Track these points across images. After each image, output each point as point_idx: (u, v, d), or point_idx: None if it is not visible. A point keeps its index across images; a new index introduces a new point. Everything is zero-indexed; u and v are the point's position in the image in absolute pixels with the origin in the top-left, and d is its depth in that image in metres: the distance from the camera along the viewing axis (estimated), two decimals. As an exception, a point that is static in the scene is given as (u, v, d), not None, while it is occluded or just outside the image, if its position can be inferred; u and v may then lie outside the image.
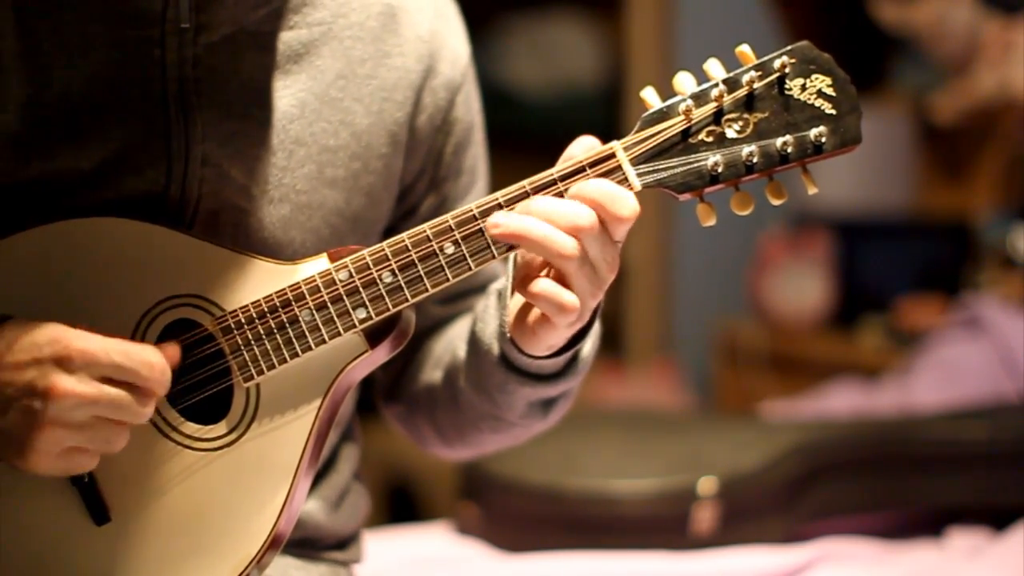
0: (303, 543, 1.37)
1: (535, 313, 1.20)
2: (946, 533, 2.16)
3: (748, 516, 2.10)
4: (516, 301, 1.22)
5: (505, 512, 2.12)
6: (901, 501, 2.24)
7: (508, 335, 1.22)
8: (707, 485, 2.08)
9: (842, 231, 3.58)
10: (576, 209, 1.15)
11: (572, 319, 1.17)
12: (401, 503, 3.62)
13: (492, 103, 1.63)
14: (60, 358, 1.12)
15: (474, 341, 1.27)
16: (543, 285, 1.16)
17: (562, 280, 1.16)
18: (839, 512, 2.20)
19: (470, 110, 1.40)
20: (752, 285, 3.68)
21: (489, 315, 1.26)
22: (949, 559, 2.05)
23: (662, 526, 2.06)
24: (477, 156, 1.42)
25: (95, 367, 1.12)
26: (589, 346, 1.26)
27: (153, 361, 1.15)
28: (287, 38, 1.28)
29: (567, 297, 1.16)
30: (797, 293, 3.58)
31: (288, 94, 1.28)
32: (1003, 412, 2.41)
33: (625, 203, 1.15)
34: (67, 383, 1.12)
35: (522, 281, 1.18)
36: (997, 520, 2.16)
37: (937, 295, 3.36)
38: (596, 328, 1.26)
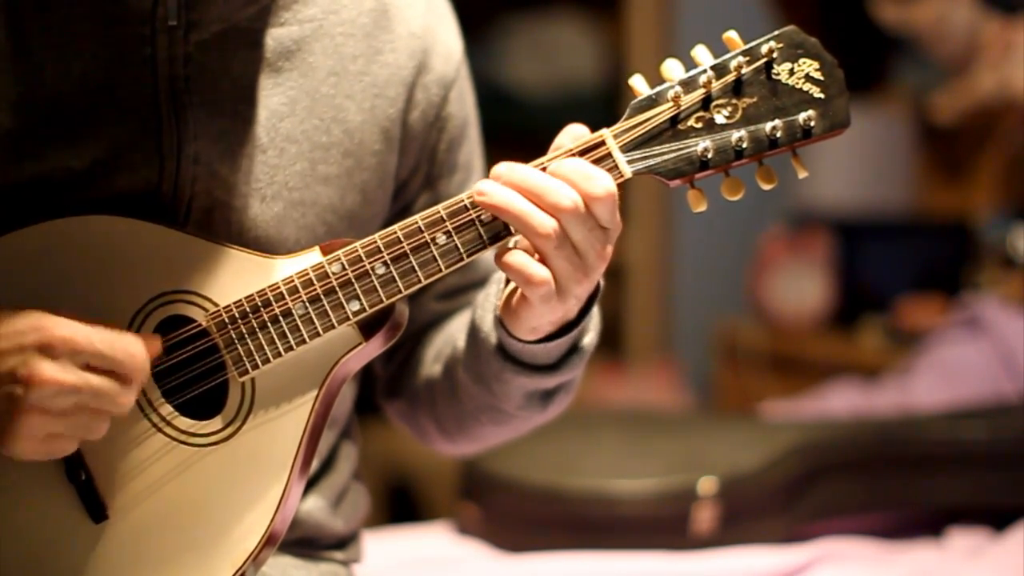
0: (302, 542, 1.37)
1: (518, 292, 1.20)
2: (946, 533, 2.16)
3: (748, 516, 2.10)
4: (510, 287, 1.22)
5: (505, 512, 2.12)
6: (901, 501, 2.24)
7: (498, 316, 1.22)
8: (707, 485, 2.07)
9: (842, 231, 3.58)
10: (560, 188, 1.14)
11: (544, 294, 1.16)
12: (401, 503, 3.62)
13: (492, 103, 1.63)
14: (43, 345, 1.12)
15: (473, 330, 1.28)
16: (514, 256, 1.16)
17: (543, 260, 1.16)
18: (839, 512, 2.20)
19: (464, 105, 1.40)
20: (752, 285, 3.68)
21: (489, 303, 1.26)
22: (949, 559, 2.05)
23: (662, 526, 2.06)
24: (472, 152, 1.42)
25: (77, 355, 1.13)
26: (588, 339, 1.26)
27: (134, 351, 1.15)
28: (278, 35, 1.28)
29: (535, 269, 1.15)
30: (797, 293, 3.58)
31: (279, 91, 1.28)
32: (1003, 412, 2.41)
33: (598, 182, 1.14)
34: (49, 370, 1.12)
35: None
36: (997, 520, 2.16)
37: (937, 295, 3.36)
38: (595, 322, 1.26)
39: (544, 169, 1.17)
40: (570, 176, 1.15)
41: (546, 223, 1.14)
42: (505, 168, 1.16)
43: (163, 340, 1.19)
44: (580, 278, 1.17)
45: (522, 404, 1.29)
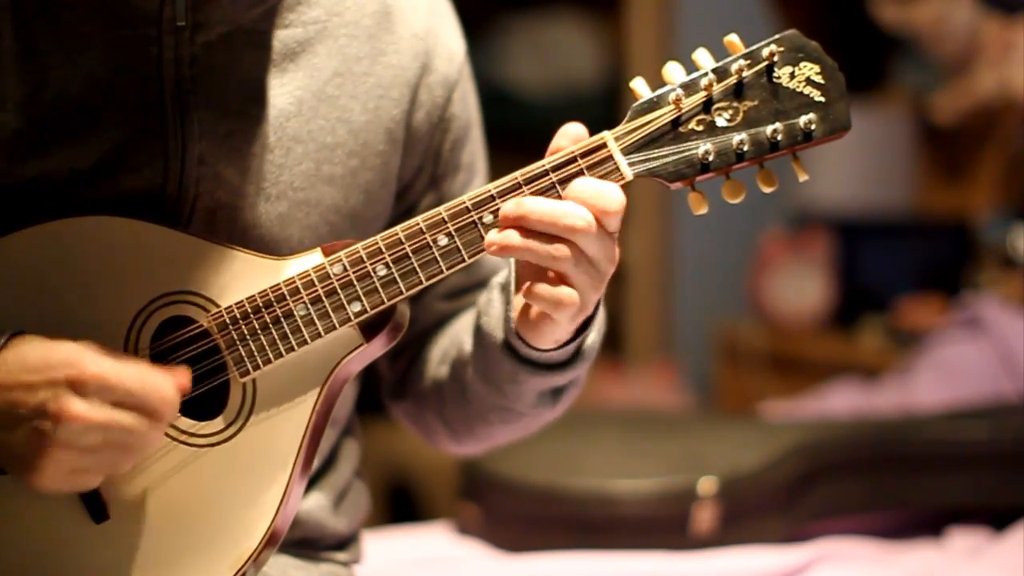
0: (303, 543, 1.37)
1: (536, 309, 1.20)
2: (946, 533, 2.16)
3: (748, 516, 2.10)
4: (520, 296, 1.23)
5: (505, 512, 2.12)
6: (901, 501, 2.24)
7: (515, 330, 1.23)
8: (707, 485, 2.08)
9: (842, 231, 3.58)
10: (574, 211, 1.15)
11: (572, 312, 1.18)
12: (401, 503, 3.62)
13: (492, 103, 1.63)
14: (74, 381, 1.11)
15: (479, 335, 1.28)
16: (540, 289, 1.17)
17: (561, 277, 1.17)
18: (839, 512, 2.20)
19: (467, 106, 1.41)
20: (752, 285, 3.68)
21: (493, 308, 1.26)
22: (949, 559, 2.05)
23: (662, 526, 2.06)
24: (475, 152, 1.43)
25: (108, 392, 1.12)
26: (595, 334, 1.27)
27: (164, 390, 1.14)
28: (283, 36, 1.29)
29: (564, 292, 1.17)
30: (797, 293, 3.58)
31: (285, 92, 1.28)
32: (1003, 412, 2.41)
33: (611, 196, 1.15)
34: (78, 407, 1.11)
35: (521, 281, 1.19)
36: (997, 520, 2.16)
37: (937, 295, 3.36)
38: (601, 316, 1.27)
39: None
40: (583, 196, 1.15)
41: (562, 250, 1.15)
42: (513, 205, 1.16)
43: (190, 372, 1.18)
44: (597, 286, 1.18)
45: (534, 403, 1.30)
